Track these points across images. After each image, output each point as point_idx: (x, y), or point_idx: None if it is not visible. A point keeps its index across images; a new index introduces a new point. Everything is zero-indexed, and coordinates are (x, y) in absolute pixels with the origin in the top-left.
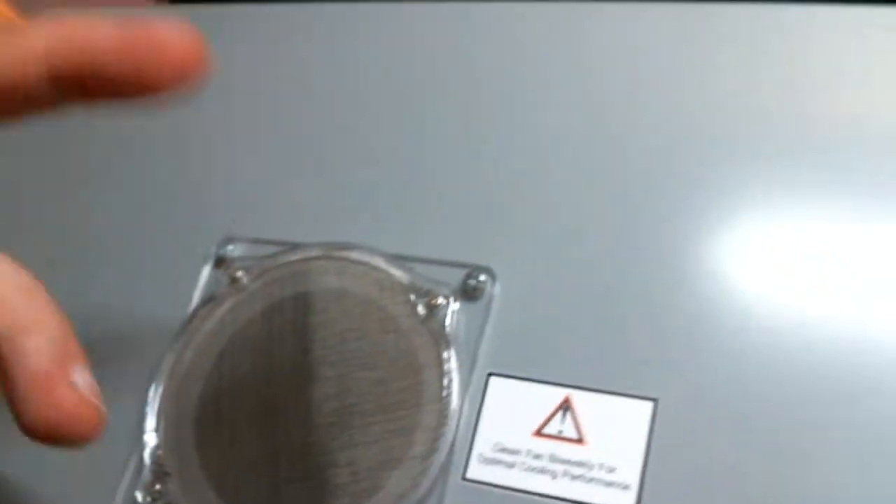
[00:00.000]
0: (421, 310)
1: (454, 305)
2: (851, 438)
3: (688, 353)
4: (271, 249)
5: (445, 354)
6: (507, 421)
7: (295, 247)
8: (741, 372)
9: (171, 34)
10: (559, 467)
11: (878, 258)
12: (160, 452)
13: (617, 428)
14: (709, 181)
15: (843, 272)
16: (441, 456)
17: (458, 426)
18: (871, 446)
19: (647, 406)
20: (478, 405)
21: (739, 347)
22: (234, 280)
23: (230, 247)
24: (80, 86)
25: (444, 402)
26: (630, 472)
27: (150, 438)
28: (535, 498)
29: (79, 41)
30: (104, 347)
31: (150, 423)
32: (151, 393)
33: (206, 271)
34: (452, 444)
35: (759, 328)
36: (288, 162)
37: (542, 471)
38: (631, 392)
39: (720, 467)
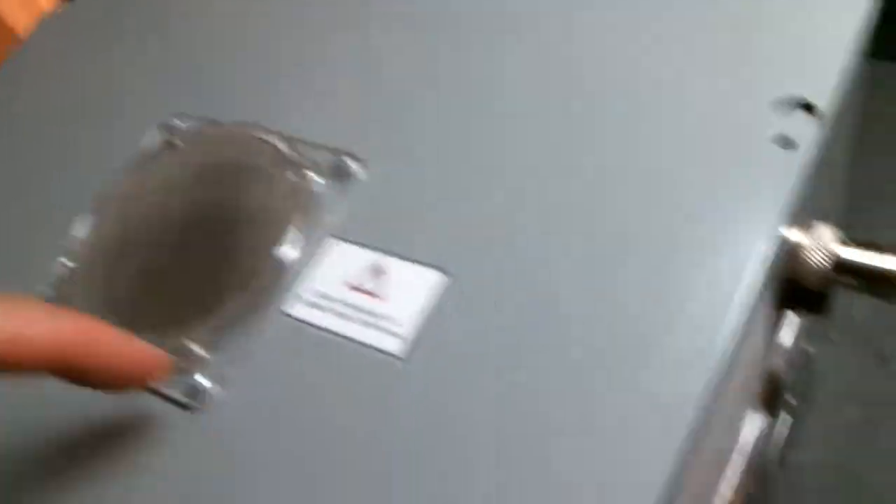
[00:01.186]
0: (292, 177)
1: (320, 179)
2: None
3: (484, 234)
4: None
5: (300, 215)
6: (332, 274)
7: (214, 124)
8: (530, 276)
9: (156, 365)
10: (358, 315)
11: None
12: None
13: (412, 291)
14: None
15: None
16: (268, 291)
17: (290, 272)
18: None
19: (438, 276)
20: (316, 260)
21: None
22: (169, 144)
23: (177, 120)
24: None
25: (284, 251)
26: (410, 326)
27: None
28: (332, 336)
29: (84, 359)
30: (54, 178)
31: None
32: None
33: (151, 135)
34: (280, 284)
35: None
36: (235, 51)
37: (344, 316)
38: (429, 262)
39: (486, 343)
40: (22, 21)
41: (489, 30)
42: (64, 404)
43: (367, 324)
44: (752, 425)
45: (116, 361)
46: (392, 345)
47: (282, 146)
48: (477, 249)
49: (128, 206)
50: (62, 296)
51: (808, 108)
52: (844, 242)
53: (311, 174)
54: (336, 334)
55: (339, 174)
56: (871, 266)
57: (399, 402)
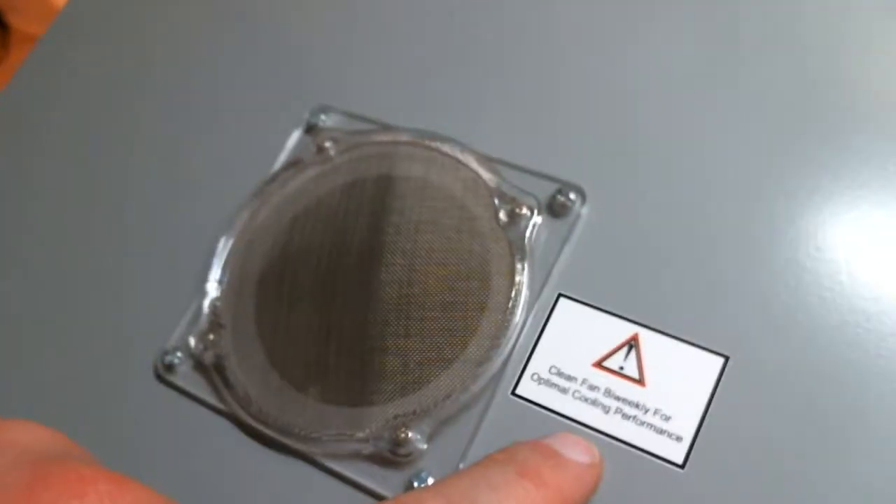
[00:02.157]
0: (503, 216)
1: (537, 218)
2: None
3: (772, 316)
4: (364, 126)
5: (519, 265)
6: (568, 346)
7: (387, 127)
8: (820, 347)
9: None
10: (613, 403)
11: None
12: (219, 304)
13: (681, 377)
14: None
15: None
16: (495, 365)
17: (517, 340)
18: None
19: (717, 361)
20: (542, 324)
21: (827, 322)
22: (321, 149)
23: (323, 116)
24: None
25: (507, 312)
26: (686, 424)
27: (212, 288)
28: (582, 429)
29: None
30: (185, 195)
31: (215, 273)
32: (220, 245)
33: (295, 136)
34: (508, 357)
35: (851, 306)
36: (395, 40)
37: (595, 403)
38: (703, 343)
39: (779, 442)
40: None
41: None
42: None
43: (628, 417)
44: None
45: None
46: (667, 448)
47: (482, 170)
48: (758, 328)
49: (272, 227)
50: (203, 342)
51: None
52: None
53: (525, 209)
54: (587, 427)
55: (558, 209)
56: None
57: None
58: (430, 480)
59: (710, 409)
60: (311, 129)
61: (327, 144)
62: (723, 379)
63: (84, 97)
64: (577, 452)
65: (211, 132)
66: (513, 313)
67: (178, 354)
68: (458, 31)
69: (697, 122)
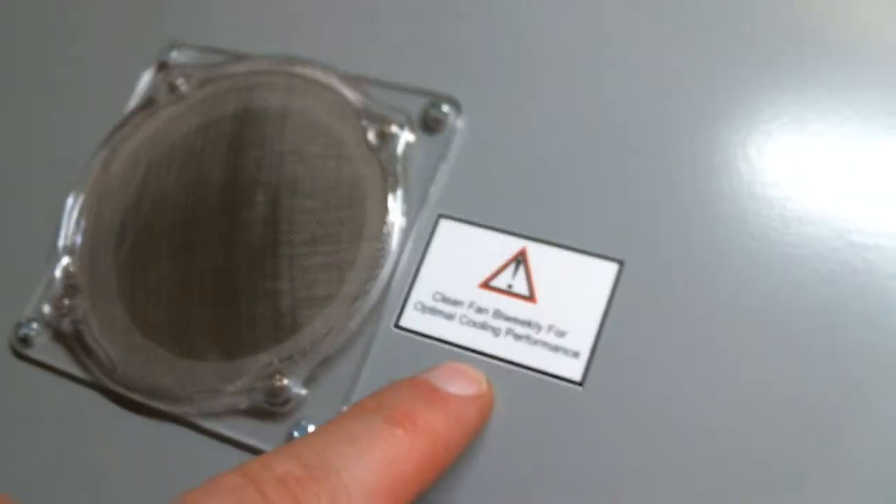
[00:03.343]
0: (371, 137)
1: (410, 136)
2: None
3: (668, 214)
4: (218, 58)
5: (392, 189)
6: (452, 268)
7: (242, 57)
8: (721, 239)
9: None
10: (503, 324)
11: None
12: (72, 266)
13: (574, 288)
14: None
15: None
16: (372, 298)
17: (395, 268)
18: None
19: (612, 267)
20: (422, 249)
21: (728, 213)
22: (172, 87)
23: (175, 52)
24: None
25: (383, 240)
26: (581, 339)
27: (63, 250)
28: (472, 355)
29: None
30: (28, 150)
31: (65, 233)
32: (70, 202)
33: (146, 76)
34: (387, 288)
35: (751, 193)
36: None
37: (484, 326)
38: (595, 250)
39: (680, 345)
40: None
41: None
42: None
43: (517, 336)
44: None
45: None
46: (563, 366)
47: (346, 90)
48: (652, 230)
49: (130, 177)
50: (58, 310)
51: None
52: None
53: (395, 128)
54: (478, 353)
55: (432, 125)
56: None
57: (581, 440)
58: (311, 428)
59: (606, 320)
60: (162, 67)
61: (179, 82)
62: (619, 286)
63: None
64: (460, 385)
65: (54, 79)
66: (388, 240)
67: (34, 325)
68: None
69: (582, 23)
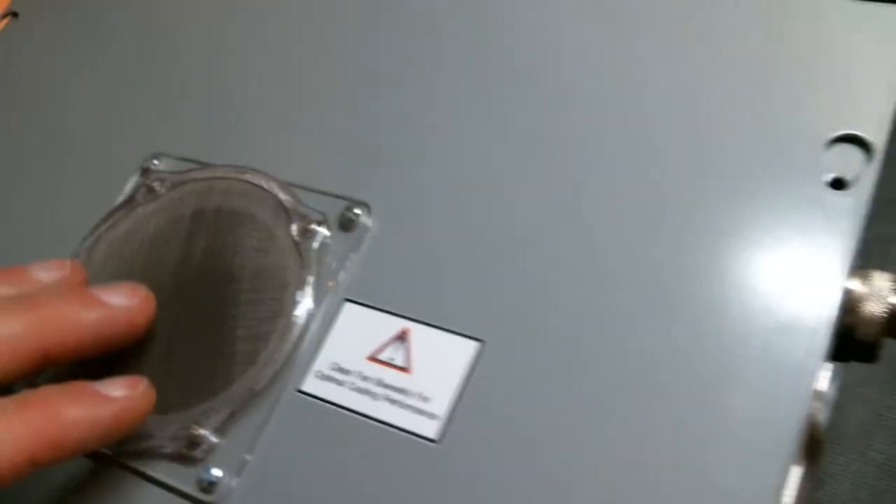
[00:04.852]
0: (295, 232)
1: (326, 232)
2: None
3: (525, 303)
4: (188, 166)
5: (308, 276)
6: (349, 343)
7: (206, 166)
8: (566, 320)
9: (139, 312)
10: (381, 390)
11: None
12: None
13: (442, 362)
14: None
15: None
16: (278, 365)
17: (301, 342)
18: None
19: (472, 346)
20: (328, 326)
21: (587, 312)
22: (150, 189)
23: (155, 161)
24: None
25: (294, 318)
26: (441, 403)
27: None
28: (354, 416)
29: (68, 338)
30: (30, 241)
31: None
32: None
33: (133, 180)
34: (291, 357)
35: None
36: (213, 92)
37: (366, 392)
38: (461, 331)
39: (528, 416)
40: None
41: (506, 74)
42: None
43: (394, 402)
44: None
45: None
46: (425, 427)
47: (277, 191)
48: (509, 315)
49: (108, 264)
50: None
51: (862, 145)
52: None
53: (315, 226)
54: (359, 414)
55: (346, 224)
56: None
57: (434, 490)
58: (217, 472)
59: (465, 390)
60: (145, 172)
61: (155, 184)
62: (479, 361)
63: None
64: (115, 388)
65: (57, 173)
66: (299, 319)
67: None
68: (260, 81)
69: (465, 137)
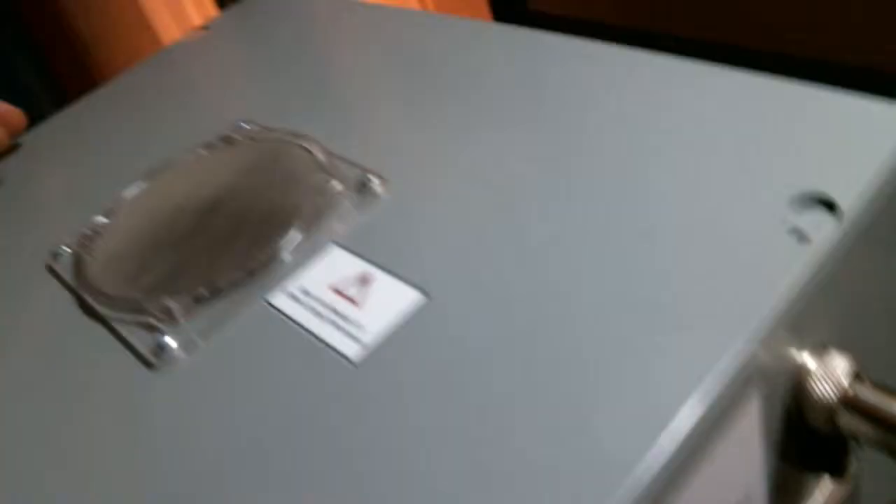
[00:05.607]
0: (316, 181)
1: (341, 188)
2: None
3: (470, 263)
4: (263, 130)
5: (311, 217)
6: (320, 275)
7: (272, 130)
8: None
9: None
10: (329, 315)
11: None
12: (104, 222)
13: (387, 304)
14: None
15: None
16: (260, 278)
17: (280, 264)
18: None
19: (418, 296)
20: (311, 259)
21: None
22: (229, 139)
23: (244, 123)
24: None
25: (284, 243)
26: (371, 335)
27: (104, 213)
28: (299, 329)
29: None
30: (139, 145)
31: (110, 204)
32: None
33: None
34: (274, 275)
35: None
36: (313, 73)
37: (315, 311)
38: (414, 282)
39: (439, 372)
40: (171, 34)
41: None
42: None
43: (336, 325)
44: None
45: None
46: (350, 349)
47: (320, 156)
48: (462, 281)
49: (173, 181)
50: (82, 244)
51: (829, 206)
52: (860, 378)
53: (335, 182)
54: (304, 329)
55: (361, 189)
56: (884, 411)
57: (342, 405)
58: (171, 342)
59: (397, 330)
60: (235, 131)
61: (235, 135)
62: (418, 311)
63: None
64: None
65: (169, 107)
66: (288, 245)
67: (64, 248)
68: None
69: (487, 144)
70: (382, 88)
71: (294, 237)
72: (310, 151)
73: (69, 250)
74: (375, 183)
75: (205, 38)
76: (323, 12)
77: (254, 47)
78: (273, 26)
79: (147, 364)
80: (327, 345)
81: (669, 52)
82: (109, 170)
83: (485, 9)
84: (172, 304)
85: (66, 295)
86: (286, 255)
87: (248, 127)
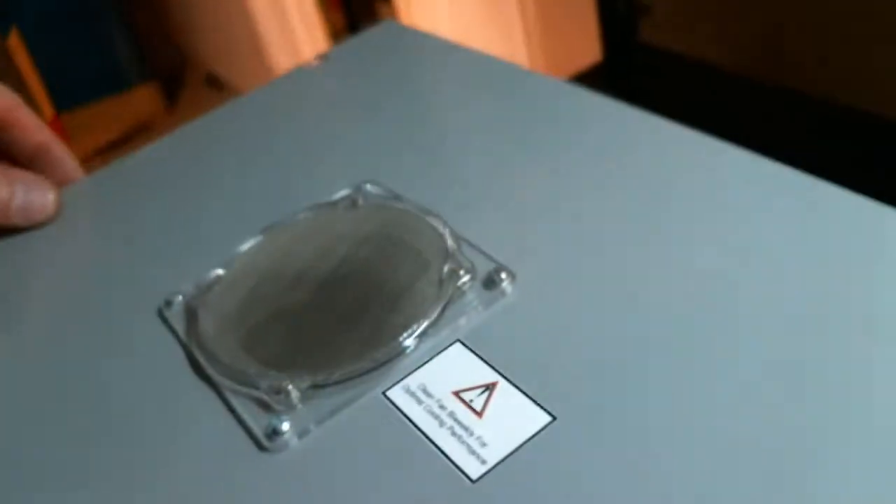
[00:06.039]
0: (446, 270)
1: (470, 282)
2: None
3: (601, 388)
4: (388, 195)
5: (439, 308)
6: (443, 376)
7: (399, 198)
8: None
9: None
10: (449, 421)
11: None
12: (221, 273)
13: (512, 421)
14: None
15: None
16: (381, 370)
17: (402, 357)
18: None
19: (545, 417)
20: (433, 356)
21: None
22: (353, 202)
23: (369, 185)
24: None
25: (408, 335)
26: (494, 454)
27: (223, 264)
28: (417, 432)
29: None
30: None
31: (230, 257)
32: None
33: (344, 192)
34: (393, 367)
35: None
36: (444, 144)
37: (436, 417)
38: (541, 401)
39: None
40: (284, 65)
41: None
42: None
43: (455, 435)
44: None
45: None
46: (470, 466)
47: (450, 241)
48: (590, 405)
49: (293, 241)
50: (200, 297)
51: None
52: None
53: (463, 274)
54: (422, 432)
55: (489, 284)
56: None
57: None
58: (285, 425)
59: (520, 451)
60: (359, 191)
61: (359, 199)
62: (543, 433)
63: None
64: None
65: (297, 178)
66: (411, 338)
67: (179, 296)
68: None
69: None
70: (508, 163)
71: (419, 328)
72: (439, 233)
73: (181, 299)
74: (505, 279)
75: (320, 69)
76: (437, 58)
77: (371, 89)
78: (388, 65)
79: (258, 444)
80: (446, 455)
81: (787, 109)
82: (222, 215)
83: (595, 40)
84: (291, 389)
85: (176, 347)
86: (409, 347)
87: (373, 191)
